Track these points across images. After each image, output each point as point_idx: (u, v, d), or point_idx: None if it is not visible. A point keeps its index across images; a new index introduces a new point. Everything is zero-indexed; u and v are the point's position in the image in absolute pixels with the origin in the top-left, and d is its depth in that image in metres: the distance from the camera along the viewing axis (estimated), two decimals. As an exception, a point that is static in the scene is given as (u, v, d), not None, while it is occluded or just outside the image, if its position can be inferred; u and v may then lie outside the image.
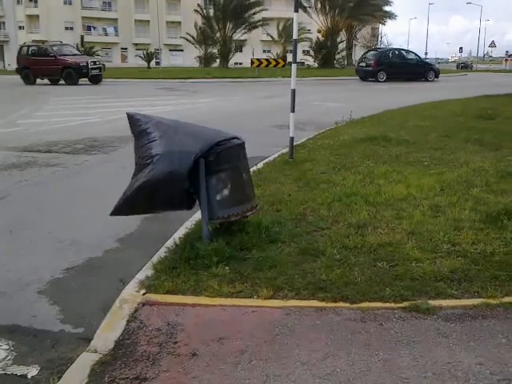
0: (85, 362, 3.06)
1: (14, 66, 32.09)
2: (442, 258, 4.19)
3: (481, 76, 40.91)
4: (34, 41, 34.17)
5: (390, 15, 47.47)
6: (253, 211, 4.51)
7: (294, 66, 7.46)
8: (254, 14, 46.99)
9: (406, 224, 4.95)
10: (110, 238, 5.24)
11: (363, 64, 32.04)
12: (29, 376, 3.08)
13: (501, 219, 4.90)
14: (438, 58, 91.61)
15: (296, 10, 7.15)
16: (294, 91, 7.48)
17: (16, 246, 5.06)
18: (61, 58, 28.95)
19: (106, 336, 3.30)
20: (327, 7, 44.06)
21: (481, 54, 71.94)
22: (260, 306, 3.55)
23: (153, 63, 61.26)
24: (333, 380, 2.76)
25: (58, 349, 3.40)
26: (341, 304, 3.55)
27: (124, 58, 76.10)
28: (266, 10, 48.14)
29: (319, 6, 44.24)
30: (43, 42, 32.60)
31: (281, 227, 4.80)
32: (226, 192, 4.30)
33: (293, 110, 7.54)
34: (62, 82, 29.64)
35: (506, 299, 3.54)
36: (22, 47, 31.18)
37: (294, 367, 2.88)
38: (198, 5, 50.84)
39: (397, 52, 32.86)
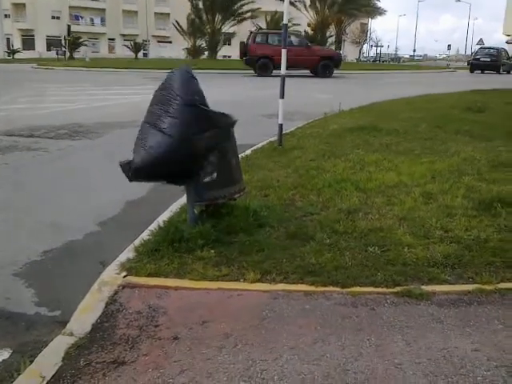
0: (59, 345, 2.88)
1: (0, 54, 30.34)
2: (435, 243, 4.06)
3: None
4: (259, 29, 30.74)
5: (380, 10, 47.52)
6: (240, 194, 4.34)
7: (283, 51, 7.29)
8: (242, 5, 46.67)
9: (398, 210, 4.82)
10: (91, 221, 5.04)
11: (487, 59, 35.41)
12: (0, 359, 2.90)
13: (494, 206, 4.78)
14: (426, 55, 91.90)
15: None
16: (283, 77, 7.32)
17: (-7, 228, 4.85)
18: (315, 48, 27.69)
19: (83, 318, 3.12)
20: (317, 1, 43.93)
21: (469, 52, 72.27)
22: (246, 290, 3.39)
23: (140, 54, 60.67)
24: (322, 365, 2.61)
25: (33, 332, 3.22)
26: (331, 288, 3.40)
27: (111, 49, 75.28)
28: (254, 1, 47.73)
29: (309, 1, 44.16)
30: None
31: (269, 211, 4.64)
32: (213, 173, 4.11)
33: (282, 97, 7.38)
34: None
35: (502, 285, 3.42)
36: (255, 34, 28.66)
37: (281, 352, 2.73)
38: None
39: None
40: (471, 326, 2.98)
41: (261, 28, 43.07)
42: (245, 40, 29.60)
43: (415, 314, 3.12)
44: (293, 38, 27.07)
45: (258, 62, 26.96)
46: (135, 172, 3.80)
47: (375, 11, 47.58)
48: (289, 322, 3.03)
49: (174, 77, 3.93)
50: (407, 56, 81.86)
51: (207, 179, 4.09)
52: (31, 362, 2.77)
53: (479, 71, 36.54)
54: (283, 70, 7.31)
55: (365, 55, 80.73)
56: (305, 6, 45.10)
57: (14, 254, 4.25)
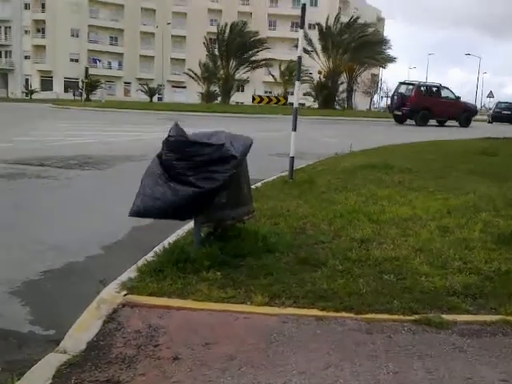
0: (51, 362, 2.67)
1: (18, 94, 30.94)
2: (454, 274, 3.84)
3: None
4: (406, 82, 31.09)
5: (390, 58, 48.25)
6: (249, 216, 4.19)
7: (297, 84, 7.27)
8: (257, 51, 47.79)
9: (413, 241, 4.61)
10: (94, 244, 4.88)
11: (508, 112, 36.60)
12: (-15, 376, 2.68)
13: (514, 240, 4.57)
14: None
15: (301, 26, 7.01)
16: (296, 109, 7.27)
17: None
18: (460, 102, 29.17)
19: (79, 336, 2.92)
20: (330, 48, 44.77)
21: (478, 106, 72.78)
22: (253, 313, 3.18)
23: (155, 98, 61.81)
24: (335, 391, 2.38)
25: (24, 350, 3.02)
26: (344, 314, 3.18)
27: (127, 92, 76.89)
28: (269, 48, 48.98)
29: (321, 47, 45.00)
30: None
31: (278, 238, 4.45)
32: (223, 195, 3.96)
33: (294, 129, 7.31)
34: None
35: (528, 316, 3.18)
36: (419, 87, 29.27)
37: (290, 376, 2.50)
38: (205, 40, 51.59)
39: None
40: (497, 357, 2.74)
41: (273, 75, 43.98)
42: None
43: (435, 342, 2.89)
44: (446, 91, 28.97)
45: (419, 113, 27.58)
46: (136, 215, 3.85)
47: (386, 59, 48.34)
48: (299, 345, 2.80)
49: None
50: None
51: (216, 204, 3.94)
52: (19, 379, 2.56)
53: (499, 123, 37.12)
54: (296, 103, 7.27)
55: (375, 106, 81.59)
56: (317, 53, 45.97)
57: (12, 273, 4.08)
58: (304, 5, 6.91)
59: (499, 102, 40.96)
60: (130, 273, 3.74)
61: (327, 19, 46.98)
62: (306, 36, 41.29)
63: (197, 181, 3.61)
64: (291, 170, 7.50)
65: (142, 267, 3.77)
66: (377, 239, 4.66)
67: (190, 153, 3.64)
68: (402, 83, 30.04)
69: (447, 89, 29.89)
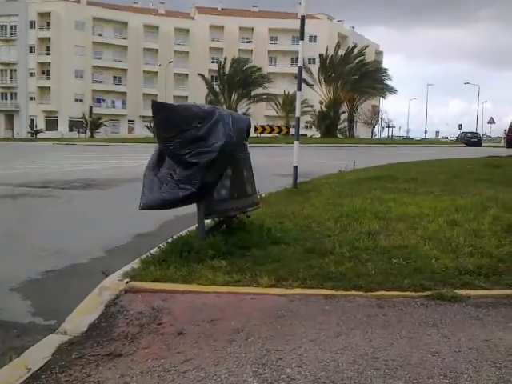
0: (51, 342, 2.59)
1: (23, 134, 31.21)
2: (465, 256, 3.74)
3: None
4: None
5: (389, 88, 48.67)
6: (253, 207, 4.12)
7: (298, 94, 7.29)
8: (258, 85, 48.40)
9: (421, 233, 4.52)
10: (97, 248, 4.80)
11: None
12: (-18, 360, 2.58)
13: (525, 229, 4.47)
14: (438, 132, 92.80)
15: (301, 38, 7.09)
16: (298, 119, 7.28)
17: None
18: None
19: (80, 319, 2.83)
20: (330, 78, 45.23)
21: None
22: (260, 293, 3.08)
23: (159, 134, 62.20)
24: (347, 354, 2.27)
25: (24, 338, 2.92)
26: (353, 292, 3.08)
27: (131, 130, 77.67)
28: (272, 82, 49.65)
29: (322, 79, 45.54)
30: None
31: (284, 234, 4.37)
32: (226, 185, 3.91)
33: (297, 139, 7.29)
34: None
35: (545, 289, 3.07)
36: None
37: (299, 343, 2.40)
38: (202, 77, 52.39)
39: None
40: (515, 323, 2.63)
41: (277, 104, 44.08)
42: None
43: (450, 313, 2.78)
44: None
45: None
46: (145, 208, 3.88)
47: (385, 89, 48.76)
48: (307, 319, 2.70)
49: None
50: (419, 138, 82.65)
51: (217, 191, 3.88)
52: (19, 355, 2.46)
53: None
54: (298, 112, 7.28)
55: (376, 136, 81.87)
56: (319, 83, 46.46)
57: (15, 273, 4.00)
58: (303, 16, 7.00)
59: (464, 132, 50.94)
60: (134, 264, 3.66)
61: (327, 50, 47.70)
62: (306, 68, 41.99)
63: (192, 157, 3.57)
64: (295, 179, 7.45)
65: (145, 259, 3.69)
66: (384, 232, 4.58)
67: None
68: None
69: None
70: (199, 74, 53.22)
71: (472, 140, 46.37)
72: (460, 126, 71.11)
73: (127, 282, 3.28)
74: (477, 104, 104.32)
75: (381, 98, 64.19)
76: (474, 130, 56.90)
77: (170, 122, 3.61)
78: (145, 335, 2.58)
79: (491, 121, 62.06)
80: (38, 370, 2.28)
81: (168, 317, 2.79)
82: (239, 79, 47.71)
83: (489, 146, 40.85)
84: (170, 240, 4.12)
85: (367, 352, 2.28)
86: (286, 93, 53.45)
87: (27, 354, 2.47)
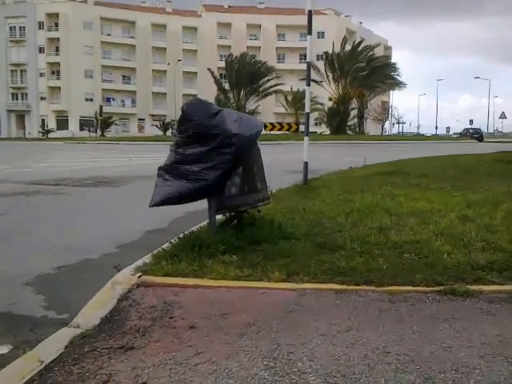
0: (64, 335, 2.61)
1: (34, 134, 31.53)
2: (477, 251, 3.71)
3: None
4: None
5: (400, 83, 48.44)
6: (264, 202, 4.12)
7: (307, 89, 7.28)
8: (267, 80, 48.52)
9: (433, 228, 4.50)
10: (109, 244, 4.83)
11: None
12: (-2, 353, 2.61)
13: (539, 224, 4.43)
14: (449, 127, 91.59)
15: (309, 33, 7.06)
16: (308, 114, 7.26)
17: (9, 249, 4.68)
18: None
19: (92, 313, 2.85)
20: (338, 74, 45.07)
21: (490, 130, 72.26)
22: (271, 288, 3.09)
23: (169, 133, 62.45)
24: (358, 348, 2.27)
25: (37, 332, 2.94)
26: (364, 287, 3.08)
27: (141, 128, 77.90)
28: (279, 77, 49.68)
29: (331, 74, 45.44)
30: None
31: (295, 229, 4.37)
32: (236, 180, 3.91)
33: (307, 134, 7.27)
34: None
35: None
36: None
37: (310, 337, 2.39)
38: (211, 74, 52.50)
39: None
40: (529, 318, 2.60)
41: (287, 100, 44.01)
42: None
43: (462, 308, 2.77)
44: None
45: None
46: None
47: (395, 83, 48.51)
48: (318, 313, 2.70)
49: None
50: (429, 134, 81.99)
51: (228, 186, 3.89)
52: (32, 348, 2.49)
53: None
54: (307, 108, 7.27)
55: (387, 133, 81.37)
56: (327, 79, 46.31)
57: (28, 269, 4.04)
58: (310, 11, 6.98)
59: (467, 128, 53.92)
60: (146, 259, 3.68)
61: (333, 45, 47.53)
62: (313, 66, 41.91)
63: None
64: (305, 175, 7.44)
65: (157, 254, 3.71)
66: (395, 228, 4.56)
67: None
68: None
69: None
70: (208, 69, 53.39)
71: (474, 136, 49.35)
72: (471, 121, 70.29)
73: (139, 277, 3.30)
74: (487, 99, 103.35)
75: (390, 94, 63.83)
76: (477, 127, 60.78)
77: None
78: (157, 329, 2.59)
79: (503, 116, 61.39)
80: (51, 362, 2.30)
81: (180, 311, 2.80)
82: (247, 73, 47.75)
83: (493, 142, 40.38)
84: (181, 235, 4.14)
85: (378, 346, 2.27)
86: (296, 90, 53.38)
87: (40, 347, 2.49)
